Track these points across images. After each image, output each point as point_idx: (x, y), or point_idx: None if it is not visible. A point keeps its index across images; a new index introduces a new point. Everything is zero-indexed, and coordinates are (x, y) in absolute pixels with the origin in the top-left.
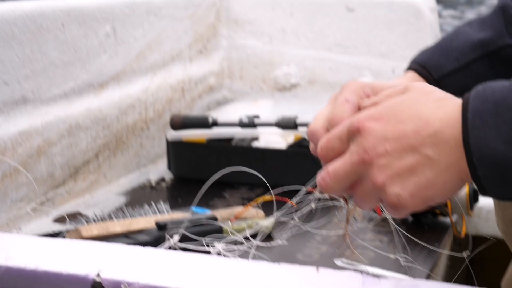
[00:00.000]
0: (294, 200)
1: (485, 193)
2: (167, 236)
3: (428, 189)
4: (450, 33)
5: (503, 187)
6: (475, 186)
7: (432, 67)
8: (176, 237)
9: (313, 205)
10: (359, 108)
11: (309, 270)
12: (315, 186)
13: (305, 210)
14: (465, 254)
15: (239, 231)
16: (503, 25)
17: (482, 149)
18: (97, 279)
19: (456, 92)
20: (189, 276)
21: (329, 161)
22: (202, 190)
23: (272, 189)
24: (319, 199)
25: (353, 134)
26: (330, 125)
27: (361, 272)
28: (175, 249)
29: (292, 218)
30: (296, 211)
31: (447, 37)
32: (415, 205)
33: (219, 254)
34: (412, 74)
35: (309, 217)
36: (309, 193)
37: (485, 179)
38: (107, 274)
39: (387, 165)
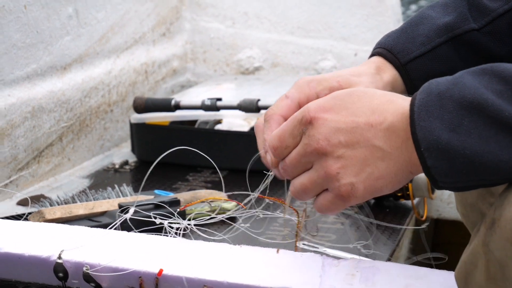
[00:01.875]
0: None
1: (437, 185)
2: (117, 214)
3: (379, 180)
4: (414, 17)
5: (452, 176)
6: None
7: (399, 52)
8: (132, 210)
9: (261, 215)
10: (300, 105)
11: (270, 251)
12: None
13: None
14: (423, 227)
15: (200, 213)
16: (467, 8)
17: (428, 138)
18: (59, 261)
19: (423, 77)
20: (149, 258)
21: (284, 158)
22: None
23: (237, 171)
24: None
25: (305, 125)
26: (265, 120)
27: (321, 254)
28: (130, 230)
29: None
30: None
31: (411, 21)
32: (365, 195)
33: (178, 235)
34: (378, 59)
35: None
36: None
37: (435, 168)
38: (69, 256)
39: (342, 155)
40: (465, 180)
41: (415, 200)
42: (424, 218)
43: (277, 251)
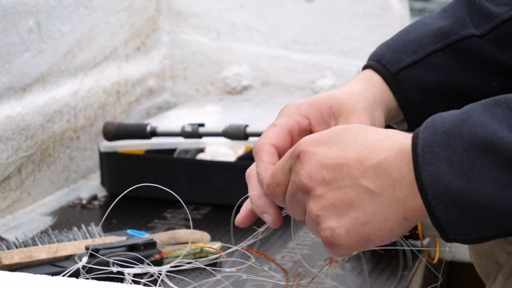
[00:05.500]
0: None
1: (447, 237)
2: (77, 260)
3: (366, 226)
4: (409, 25)
5: (465, 227)
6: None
7: (388, 61)
8: (84, 259)
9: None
10: (291, 133)
11: None
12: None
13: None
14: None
15: (180, 257)
16: (467, 14)
17: (437, 185)
18: None
19: (416, 87)
20: None
21: (280, 198)
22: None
23: (223, 207)
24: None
25: (293, 160)
26: (254, 153)
27: None
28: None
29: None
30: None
31: (405, 29)
32: (351, 244)
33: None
34: (368, 72)
35: (262, 241)
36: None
37: (445, 219)
38: None
39: (323, 195)
40: (480, 231)
41: (425, 241)
42: (435, 261)
43: None
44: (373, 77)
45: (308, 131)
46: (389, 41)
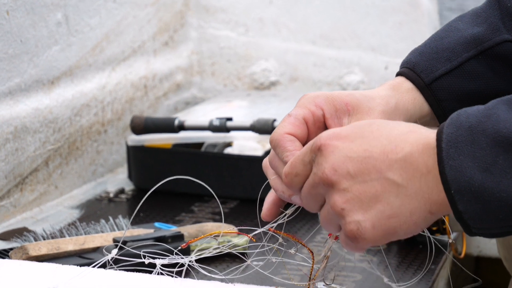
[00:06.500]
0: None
1: (470, 231)
2: (105, 252)
3: (392, 219)
4: (440, 29)
5: (487, 221)
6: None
7: (422, 70)
8: (114, 251)
9: (273, 259)
10: (306, 122)
11: None
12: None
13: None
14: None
15: (212, 247)
16: (499, 18)
17: (459, 180)
18: None
19: (452, 97)
20: None
21: (297, 188)
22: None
23: (250, 201)
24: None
25: (314, 152)
26: (274, 144)
27: None
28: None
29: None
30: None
31: (437, 34)
32: (376, 237)
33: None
34: (399, 80)
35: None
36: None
37: (467, 213)
38: None
39: (348, 188)
40: (502, 226)
41: (453, 235)
42: (462, 255)
43: None
44: (403, 85)
45: (322, 122)
46: (422, 48)
